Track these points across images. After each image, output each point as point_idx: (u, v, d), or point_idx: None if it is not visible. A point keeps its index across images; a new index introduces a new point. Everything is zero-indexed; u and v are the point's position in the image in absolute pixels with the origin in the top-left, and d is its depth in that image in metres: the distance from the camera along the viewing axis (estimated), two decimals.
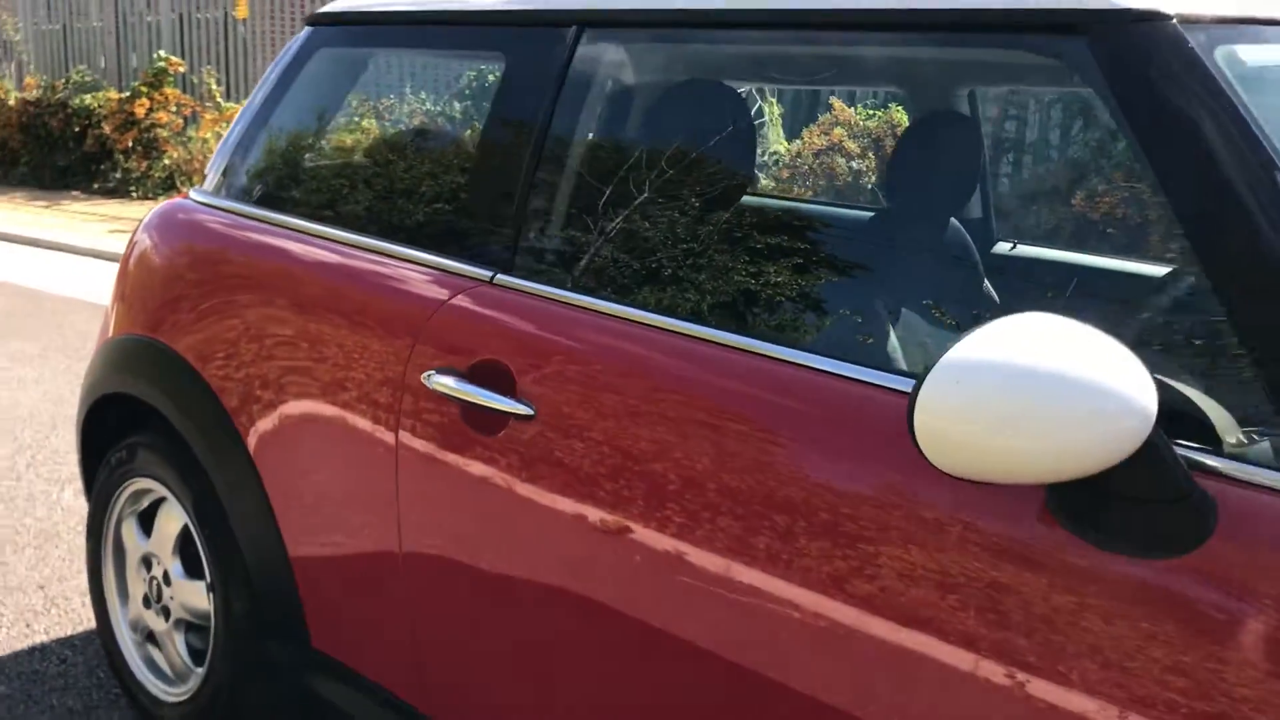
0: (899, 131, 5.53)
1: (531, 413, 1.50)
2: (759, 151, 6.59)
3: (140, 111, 10.75)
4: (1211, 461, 1.06)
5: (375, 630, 1.81)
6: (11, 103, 11.78)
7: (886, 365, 1.43)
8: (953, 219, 2.14)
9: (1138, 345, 1.02)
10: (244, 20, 11.74)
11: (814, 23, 1.49)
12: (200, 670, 2.14)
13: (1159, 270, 1.69)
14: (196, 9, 12.38)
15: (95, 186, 11.04)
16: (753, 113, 6.82)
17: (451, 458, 1.60)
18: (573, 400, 1.47)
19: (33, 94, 11.86)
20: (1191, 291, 1.20)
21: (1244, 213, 1.09)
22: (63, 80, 12.01)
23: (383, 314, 1.75)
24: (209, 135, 10.54)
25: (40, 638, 2.63)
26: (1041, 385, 0.97)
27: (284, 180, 2.17)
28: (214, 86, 11.26)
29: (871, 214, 2.35)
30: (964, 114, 2.29)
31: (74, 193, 11.01)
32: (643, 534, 1.38)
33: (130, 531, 2.28)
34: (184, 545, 2.16)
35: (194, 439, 2.04)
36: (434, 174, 1.94)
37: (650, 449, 1.38)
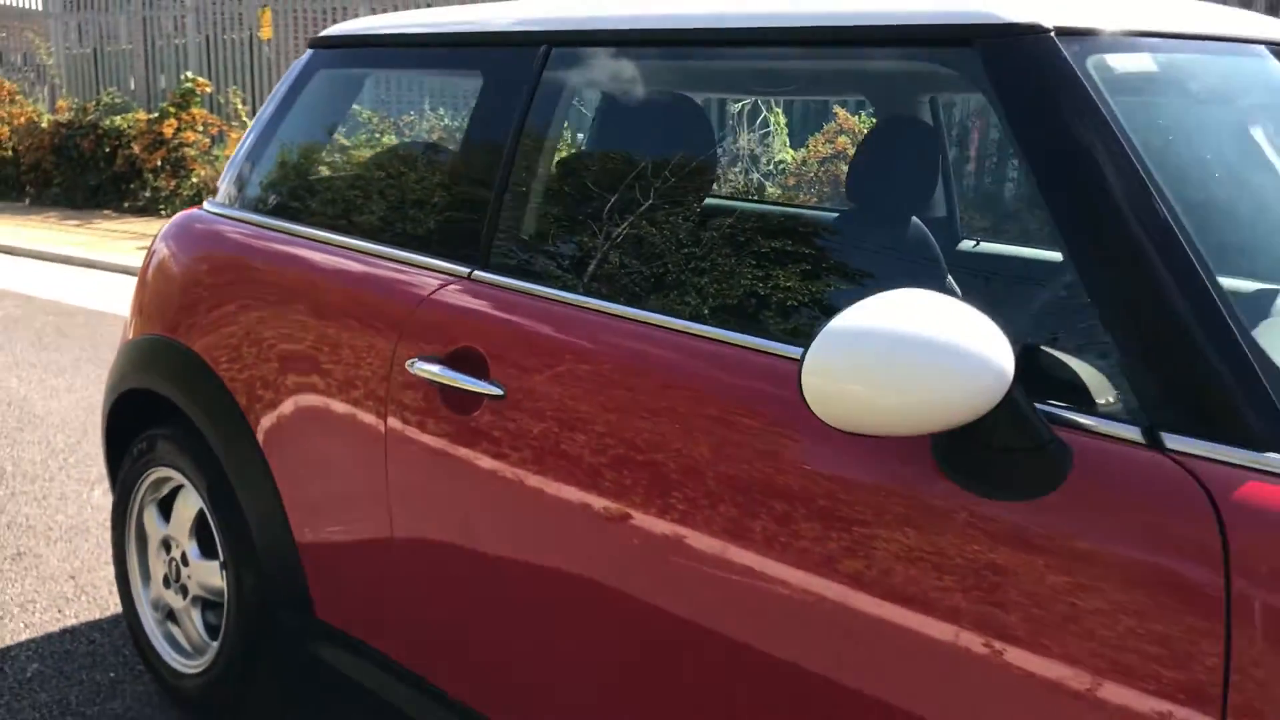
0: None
1: (502, 393, 1.67)
2: (765, 160, 6.76)
3: (168, 131, 11.01)
4: (1082, 419, 1.22)
5: (372, 599, 1.98)
6: (44, 125, 12.08)
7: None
8: (915, 218, 2.29)
9: (1040, 324, 1.17)
10: (268, 41, 12.04)
11: (753, 40, 1.66)
12: (215, 644, 2.33)
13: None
14: (223, 31, 12.71)
15: (125, 205, 11.32)
16: (758, 123, 7.02)
17: (432, 438, 1.77)
18: (537, 381, 1.64)
19: (64, 116, 12.15)
20: (1072, 276, 1.35)
21: (1106, 205, 1.25)
22: (93, 102, 12.29)
23: (373, 309, 1.92)
24: None
25: (71, 621, 2.82)
26: (910, 349, 1.12)
27: (287, 190, 2.36)
28: (240, 106, 11.53)
29: (836, 214, 2.51)
30: (923, 119, 2.44)
31: (105, 211, 11.30)
32: (599, 501, 1.54)
33: (151, 517, 2.47)
34: (200, 528, 2.34)
35: (208, 430, 2.22)
36: (420, 181, 2.12)
37: (605, 424, 1.55)
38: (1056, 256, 2.35)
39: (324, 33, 2.36)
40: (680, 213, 1.71)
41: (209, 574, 2.31)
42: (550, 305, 1.71)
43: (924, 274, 2.15)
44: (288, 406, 2.05)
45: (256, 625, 2.19)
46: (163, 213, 10.99)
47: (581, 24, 1.84)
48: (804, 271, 1.59)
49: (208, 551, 2.33)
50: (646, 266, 1.70)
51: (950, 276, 2.21)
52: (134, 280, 2.58)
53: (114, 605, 2.88)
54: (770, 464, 1.38)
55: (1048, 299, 1.53)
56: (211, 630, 2.38)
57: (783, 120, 6.85)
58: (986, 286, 2.22)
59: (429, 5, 11.34)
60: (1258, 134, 1.53)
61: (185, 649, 2.44)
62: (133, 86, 13.47)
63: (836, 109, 6.60)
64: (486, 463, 1.69)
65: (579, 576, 1.58)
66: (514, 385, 1.66)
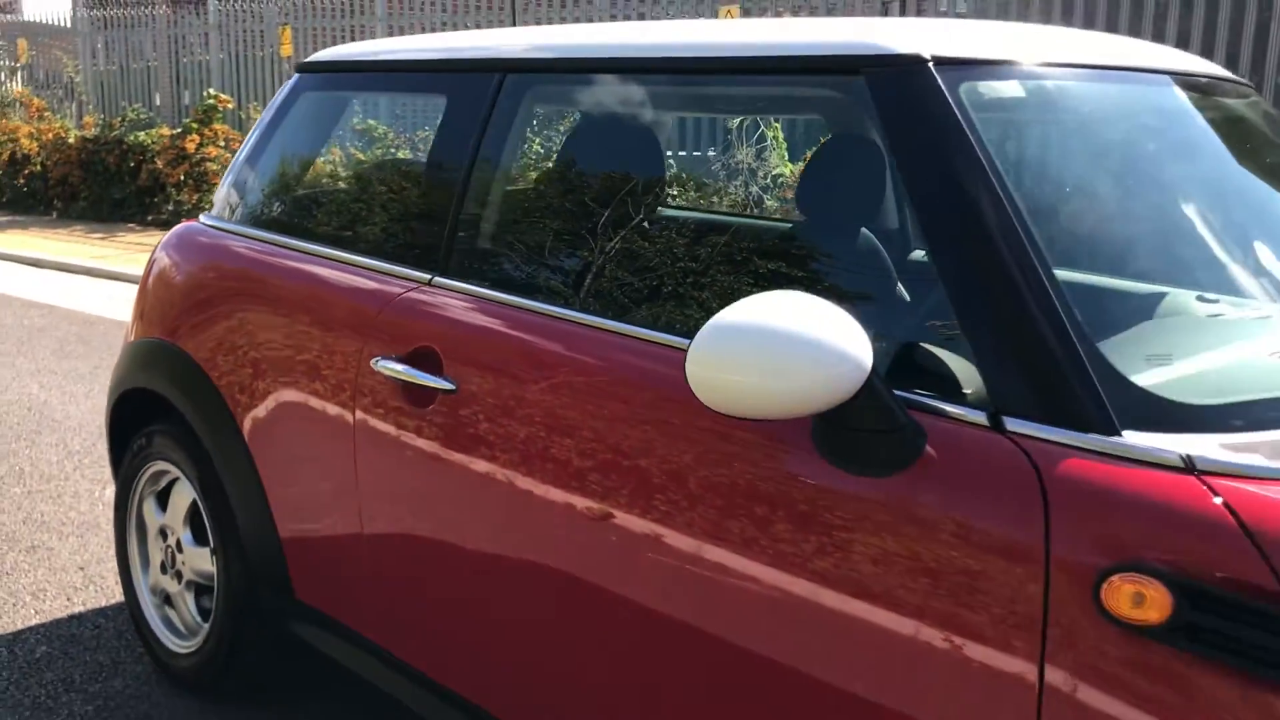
0: None
1: (454, 388, 1.84)
2: (762, 174, 6.93)
3: (191, 146, 11.27)
4: (940, 405, 1.38)
5: (345, 580, 2.15)
6: (72, 140, 12.37)
7: None
8: (864, 229, 2.45)
9: (920, 322, 1.33)
10: (288, 58, 12.32)
11: (681, 68, 1.83)
12: (207, 625, 2.51)
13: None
14: (245, 48, 13.02)
15: (149, 219, 11.57)
16: (755, 138, 7.19)
17: (394, 429, 1.94)
18: (484, 376, 1.81)
19: (91, 132, 12.44)
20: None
21: (961, 216, 1.40)
22: (119, 118, 12.58)
23: (345, 312, 2.10)
24: None
25: (78, 609, 3.01)
26: (779, 343, 1.29)
27: (273, 205, 2.55)
28: None
29: (788, 225, 2.67)
30: (870, 138, 2.60)
31: (130, 225, 11.56)
32: (538, 485, 1.71)
33: (150, 508, 2.66)
34: (193, 518, 2.53)
35: (199, 426, 2.41)
36: (391, 196, 2.30)
37: (545, 415, 1.72)
38: None
39: (310, 58, 2.55)
40: (615, 225, 1.87)
41: (201, 560, 2.50)
42: (498, 308, 1.88)
43: (875, 283, 2.31)
44: (269, 403, 2.23)
45: (243, 606, 2.37)
46: None
47: (532, 53, 2.02)
48: (714, 273, 1.76)
49: (200, 539, 2.51)
50: (586, 273, 1.87)
51: (900, 285, 2.37)
52: None
53: (119, 594, 3.07)
54: (659, 432, 1.54)
55: (931, 300, 1.69)
56: (204, 614, 2.56)
57: (780, 135, 7.01)
58: (931, 292, 2.35)
59: (445, 28, 11.60)
60: (1117, 150, 1.69)
61: (180, 630, 2.62)
62: (158, 102, 13.79)
63: None
64: (441, 451, 1.86)
65: (522, 555, 1.75)
66: (464, 380, 1.83)
